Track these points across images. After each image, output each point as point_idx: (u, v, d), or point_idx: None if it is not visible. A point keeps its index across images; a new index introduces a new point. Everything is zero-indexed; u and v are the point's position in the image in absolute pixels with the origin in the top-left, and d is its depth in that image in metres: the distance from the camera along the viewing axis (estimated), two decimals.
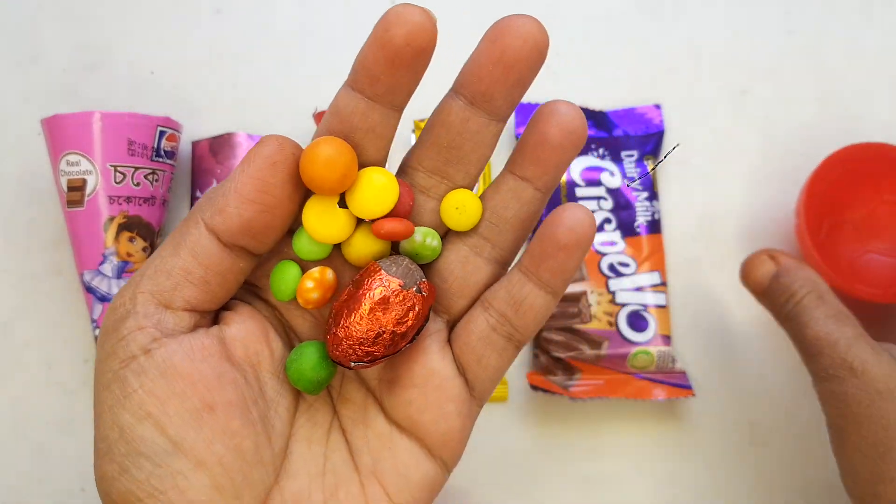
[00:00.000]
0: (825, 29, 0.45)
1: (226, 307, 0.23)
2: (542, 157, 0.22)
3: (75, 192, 0.38)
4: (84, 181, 0.38)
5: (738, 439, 0.41)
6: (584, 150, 0.42)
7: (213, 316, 0.23)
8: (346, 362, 0.22)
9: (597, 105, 0.44)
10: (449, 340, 0.24)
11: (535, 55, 0.20)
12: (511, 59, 0.20)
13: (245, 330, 0.22)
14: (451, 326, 0.24)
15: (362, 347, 0.22)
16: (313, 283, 0.23)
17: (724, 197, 0.43)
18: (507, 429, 0.41)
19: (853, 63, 0.45)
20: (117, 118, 0.37)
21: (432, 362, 0.23)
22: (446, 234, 0.24)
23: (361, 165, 0.22)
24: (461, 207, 0.22)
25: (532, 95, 0.44)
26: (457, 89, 0.21)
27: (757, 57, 0.45)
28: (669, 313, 0.41)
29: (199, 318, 0.22)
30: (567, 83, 0.44)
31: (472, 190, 0.23)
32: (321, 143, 0.21)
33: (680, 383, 0.39)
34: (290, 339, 0.24)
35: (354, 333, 0.22)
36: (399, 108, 0.21)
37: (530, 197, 0.22)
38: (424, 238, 0.22)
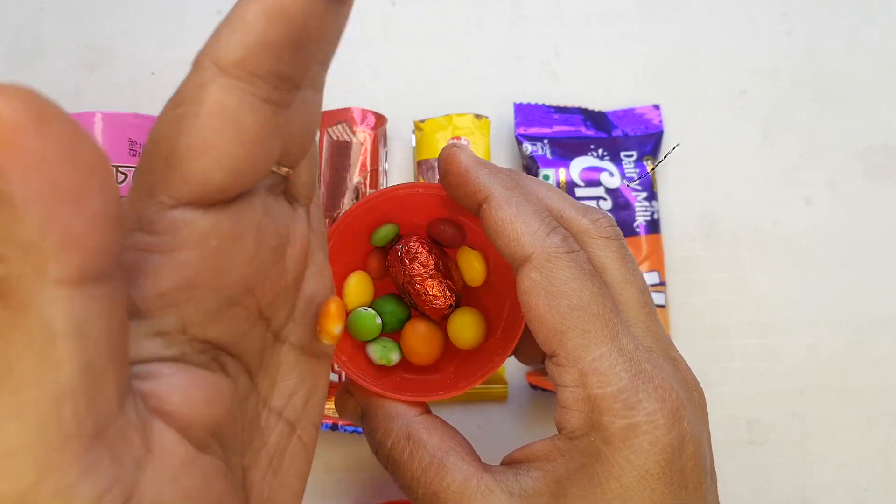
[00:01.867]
0: (825, 29, 0.45)
1: (154, 398, 0.16)
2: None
3: None
4: None
5: (737, 438, 0.41)
6: (584, 151, 0.42)
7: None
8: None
9: (596, 105, 0.44)
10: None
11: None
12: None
13: (194, 405, 0.17)
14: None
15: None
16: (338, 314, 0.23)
17: (723, 197, 0.43)
18: (507, 429, 0.41)
19: (853, 63, 0.45)
20: (118, 118, 0.38)
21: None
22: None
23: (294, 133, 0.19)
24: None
25: (532, 95, 0.44)
26: None
27: (756, 57, 0.45)
28: (668, 313, 0.41)
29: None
30: (567, 83, 0.44)
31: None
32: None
33: None
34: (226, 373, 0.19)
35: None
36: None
37: None
38: (390, 353, 0.28)
